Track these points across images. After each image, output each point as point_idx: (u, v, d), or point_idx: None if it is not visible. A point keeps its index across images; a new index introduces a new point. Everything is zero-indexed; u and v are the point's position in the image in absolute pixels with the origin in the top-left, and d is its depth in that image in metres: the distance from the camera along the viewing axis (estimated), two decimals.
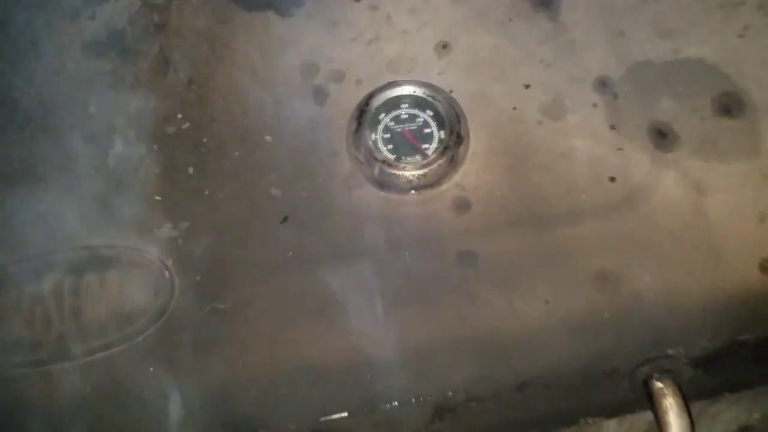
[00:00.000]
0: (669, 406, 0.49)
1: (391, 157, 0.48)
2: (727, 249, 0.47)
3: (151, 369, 0.44)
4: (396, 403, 0.50)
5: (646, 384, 0.51)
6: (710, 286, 0.47)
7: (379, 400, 0.50)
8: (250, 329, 0.45)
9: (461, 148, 0.48)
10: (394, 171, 0.48)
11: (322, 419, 0.50)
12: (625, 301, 0.46)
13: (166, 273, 0.46)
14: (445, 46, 0.53)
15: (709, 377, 0.55)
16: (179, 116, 0.52)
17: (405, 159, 0.48)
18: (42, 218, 0.48)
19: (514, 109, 0.51)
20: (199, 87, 0.53)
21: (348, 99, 0.51)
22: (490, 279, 0.46)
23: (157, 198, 0.48)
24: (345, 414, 0.50)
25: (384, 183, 0.48)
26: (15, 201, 0.49)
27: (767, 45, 0.53)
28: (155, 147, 0.50)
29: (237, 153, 0.50)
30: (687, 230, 0.47)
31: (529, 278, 0.46)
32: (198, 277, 0.46)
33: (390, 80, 0.51)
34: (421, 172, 0.47)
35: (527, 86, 0.51)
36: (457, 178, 0.48)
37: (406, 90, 0.50)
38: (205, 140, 0.51)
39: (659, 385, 0.50)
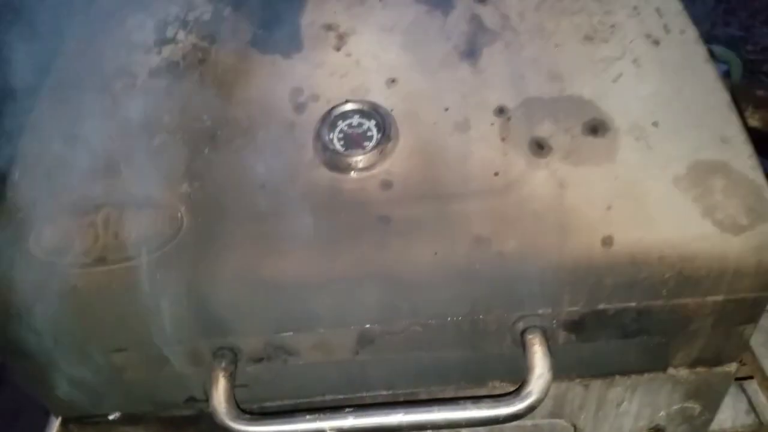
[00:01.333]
0: (535, 351, 0.63)
1: (341, 149, 0.68)
2: (577, 228, 0.62)
3: (158, 276, 0.64)
4: (325, 329, 0.66)
5: (522, 336, 0.65)
6: (563, 255, 0.61)
7: (316, 324, 0.66)
8: (231, 253, 0.64)
9: (390, 145, 0.67)
10: (340, 158, 0.67)
11: (273, 335, 0.67)
12: (496, 260, 0.62)
13: (179, 214, 0.67)
14: (393, 80, 0.74)
15: (586, 347, 0.69)
16: (204, 117, 0.74)
17: (350, 151, 0.68)
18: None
19: (434, 123, 0.70)
20: (222, 99, 0.75)
21: (319, 111, 0.72)
22: (398, 235, 0.63)
23: (181, 166, 0.70)
24: (291, 333, 0.67)
25: (333, 165, 0.67)
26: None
27: (633, 87, 0.70)
28: (186, 136, 0.72)
29: (238, 142, 0.71)
30: (548, 212, 0.63)
31: (426, 236, 0.63)
32: (199, 219, 0.66)
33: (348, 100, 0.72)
34: (359, 158, 0.67)
35: (446, 109, 0.71)
36: (385, 165, 0.67)
37: (357, 106, 0.70)
38: (218, 133, 0.72)
39: (529, 336, 0.64)
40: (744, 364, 0.87)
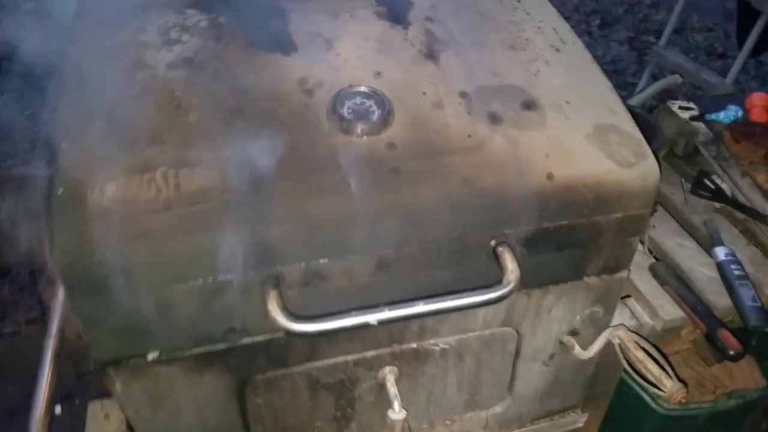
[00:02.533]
0: (506, 258, 0.88)
1: (353, 119, 0.89)
2: (529, 169, 0.88)
3: (217, 217, 0.79)
4: (352, 256, 0.85)
5: (495, 251, 0.90)
6: (522, 187, 0.87)
7: (345, 252, 0.85)
8: (275, 199, 0.81)
9: (389, 117, 0.89)
10: (353, 125, 0.88)
11: (311, 262, 0.84)
12: (477, 194, 0.86)
13: (227, 171, 0.82)
14: (378, 73, 0.97)
15: (532, 260, 0.94)
16: (229, 98, 0.90)
17: (361, 122, 0.89)
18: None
19: (417, 103, 0.93)
20: (240, 85, 0.92)
21: (325, 95, 0.92)
22: (406, 180, 0.85)
23: (219, 135, 0.85)
24: (325, 260, 0.85)
25: (347, 131, 0.88)
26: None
27: (548, 79, 1.00)
28: (216, 113, 0.88)
29: (265, 116, 0.89)
30: (508, 160, 0.89)
31: (427, 180, 0.85)
32: (244, 175, 0.82)
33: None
34: (368, 126, 0.88)
35: (424, 93, 0.95)
36: (388, 132, 0.89)
37: (359, 89, 0.92)
38: (246, 109, 0.89)
39: (500, 249, 0.89)
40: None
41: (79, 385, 1.49)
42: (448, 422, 1.15)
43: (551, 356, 1.10)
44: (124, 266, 0.77)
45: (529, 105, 0.96)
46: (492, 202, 0.86)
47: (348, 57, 0.99)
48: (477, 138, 0.90)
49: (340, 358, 0.98)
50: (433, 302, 0.83)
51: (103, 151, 0.84)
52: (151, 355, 0.87)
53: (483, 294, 0.84)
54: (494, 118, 0.93)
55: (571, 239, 0.94)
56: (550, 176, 0.88)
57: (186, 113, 0.89)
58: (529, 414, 1.19)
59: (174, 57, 0.96)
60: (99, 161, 0.83)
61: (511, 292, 0.85)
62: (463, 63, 1.00)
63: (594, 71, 1.03)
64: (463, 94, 0.96)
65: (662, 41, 2.93)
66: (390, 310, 0.82)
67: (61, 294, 1.17)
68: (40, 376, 1.01)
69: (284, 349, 0.93)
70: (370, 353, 0.98)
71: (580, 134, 0.93)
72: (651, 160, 0.92)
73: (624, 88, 3.80)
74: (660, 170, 0.93)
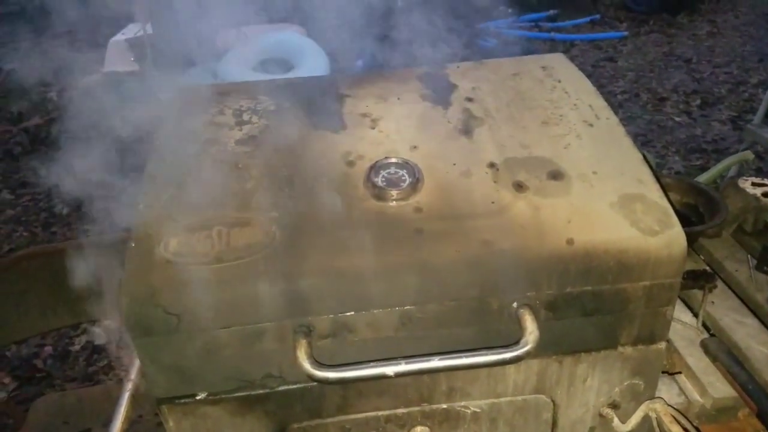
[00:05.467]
0: (526, 319, 0.91)
1: (385, 186, 0.98)
2: (549, 233, 0.92)
3: (259, 270, 0.90)
4: (376, 310, 0.92)
5: (516, 312, 0.93)
6: (541, 251, 0.91)
7: (369, 306, 0.92)
8: (311, 255, 0.91)
9: (418, 185, 0.98)
10: (385, 192, 0.97)
11: (338, 315, 0.92)
12: (496, 255, 0.91)
13: (272, 230, 0.94)
14: (415, 147, 1.06)
15: (558, 324, 0.96)
16: (282, 169, 1.04)
17: (390, 188, 0.98)
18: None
19: (447, 173, 1.01)
20: (292, 158, 1.05)
21: (365, 166, 1.03)
22: (429, 240, 0.92)
23: (270, 200, 0.98)
24: (351, 313, 0.92)
25: (379, 197, 0.97)
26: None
27: (578, 151, 1.04)
28: (270, 182, 1.01)
29: (309, 183, 1.01)
30: (529, 224, 0.93)
31: (449, 240, 0.92)
32: (286, 234, 0.93)
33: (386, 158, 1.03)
34: (398, 192, 0.97)
35: (454, 164, 1.03)
36: (416, 198, 0.97)
37: (393, 160, 1.02)
38: (294, 179, 1.02)
39: (521, 311, 0.92)
40: (675, 366, 1.16)
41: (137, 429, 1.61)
42: None
43: (591, 429, 1.08)
44: (177, 310, 0.90)
45: (556, 175, 1.01)
46: (511, 263, 0.91)
47: (389, 133, 1.10)
48: (500, 204, 0.96)
49: (371, 414, 1.02)
50: (448, 358, 0.87)
51: (172, 212, 0.99)
52: (200, 396, 0.97)
53: (499, 353, 0.87)
54: (519, 186, 0.99)
55: (598, 306, 0.95)
56: (570, 241, 0.92)
57: (244, 181, 1.02)
58: None
59: (242, 135, 1.12)
60: (167, 220, 0.97)
61: (528, 354, 0.88)
62: (495, 137, 1.08)
63: (626, 144, 1.06)
64: (491, 165, 1.03)
65: (757, 119, 2.83)
66: (406, 363, 0.87)
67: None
68: (116, 412, 1.14)
69: (318, 399, 1.00)
70: (401, 410, 1.02)
71: (605, 202, 0.96)
72: (677, 229, 0.93)
73: None
74: (688, 241, 0.93)
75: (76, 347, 2.96)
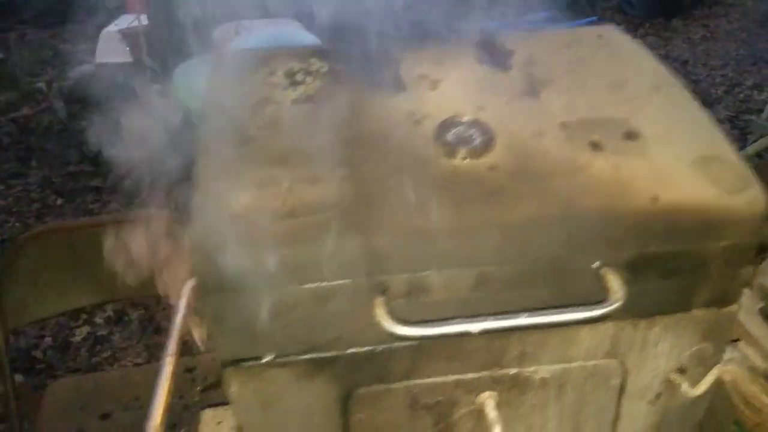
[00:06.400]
0: (610, 279, 0.88)
1: (457, 145, 0.95)
2: (632, 192, 0.90)
3: (332, 226, 0.86)
4: (453, 269, 0.89)
5: (598, 273, 0.90)
6: (624, 209, 0.89)
7: (447, 265, 0.89)
8: (386, 213, 0.88)
9: (491, 143, 0.96)
10: (458, 150, 0.94)
11: (414, 274, 0.89)
12: (579, 214, 0.89)
13: (343, 187, 0.90)
14: (481, 107, 1.04)
15: (637, 287, 0.94)
16: (346, 129, 1.00)
17: (464, 147, 0.95)
18: None
19: (518, 132, 0.99)
20: (356, 118, 1.02)
21: (431, 126, 1.00)
22: (508, 198, 0.89)
23: (338, 158, 0.95)
24: (428, 273, 0.89)
25: (452, 155, 0.94)
26: None
27: (652, 114, 1.03)
28: (336, 139, 0.98)
29: (378, 142, 0.97)
30: (609, 182, 0.91)
31: (529, 199, 0.89)
32: (358, 191, 0.90)
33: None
34: (471, 150, 0.94)
35: (524, 124, 1.00)
36: (489, 157, 0.95)
37: (464, 119, 0.99)
38: (361, 137, 0.98)
39: (604, 270, 0.90)
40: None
41: (185, 416, 1.57)
42: None
43: (658, 395, 1.06)
44: (249, 266, 0.86)
45: (631, 135, 0.99)
46: (594, 222, 0.89)
47: (452, 94, 1.08)
48: (578, 163, 0.94)
49: (440, 378, 0.99)
50: (537, 315, 0.84)
51: (236, 168, 0.95)
52: (266, 358, 0.93)
53: (588, 310, 0.85)
54: (595, 146, 0.97)
55: (677, 266, 0.93)
56: (654, 199, 0.90)
57: (308, 139, 0.99)
58: None
59: (298, 95, 1.08)
60: (232, 176, 0.93)
61: (616, 311, 0.85)
62: (562, 99, 1.06)
63: (695, 108, 1.05)
64: (563, 126, 1.00)
65: (765, 114, 2.86)
66: (493, 320, 0.84)
67: (179, 316, 1.28)
68: (157, 392, 1.09)
69: (386, 363, 0.96)
70: (470, 375, 0.99)
71: (683, 162, 0.94)
72: (758, 188, 0.92)
73: None
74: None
75: (77, 338, 2.88)
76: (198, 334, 0.96)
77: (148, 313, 2.95)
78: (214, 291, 0.86)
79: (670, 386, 1.05)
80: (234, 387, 0.93)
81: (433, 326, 0.84)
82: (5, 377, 1.54)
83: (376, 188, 0.91)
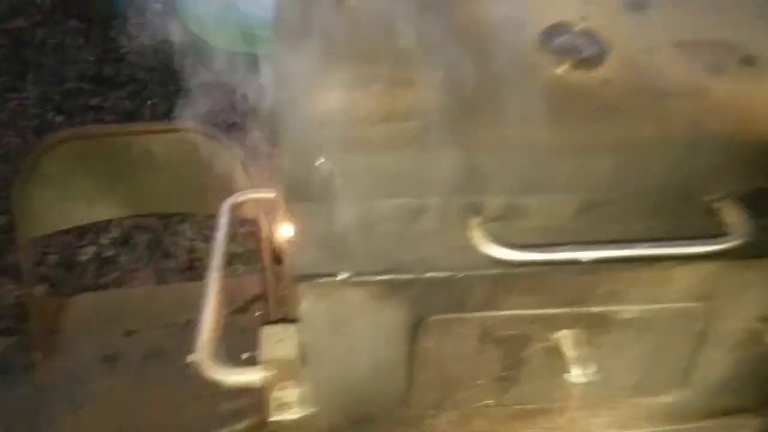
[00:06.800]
0: (731, 211, 0.81)
1: (567, 54, 0.85)
2: (760, 119, 0.82)
3: (429, 135, 0.77)
4: (555, 194, 0.81)
5: (714, 205, 0.83)
6: (753, 137, 0.81)
7: (549, 189, 0.81)
8: (486, 124, 0.79)
9: (603, 55, 0.86)
10: (566, 60, 0.85)
11: (511, 195, 0.81)
12: (703, 139, 0.80)
13: (441, 94, 0.81)
14: (584, 17, 0.93)
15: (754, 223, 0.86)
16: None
17: (574, 57, 0.85)
18: None
19: (629, 47, 0.89)
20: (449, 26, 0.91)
21: (534, 32, 0.89)
22: (623, 117, 0.81)
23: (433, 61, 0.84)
24: (526, 195, 0.81)
25: (559, 65, 0.85)
26: None
27: (760, 40, 0.93)
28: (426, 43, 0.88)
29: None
30: (735, 107, 0.82)
31: (646, 119, 0.81)
32: (458, 99, 0.81)
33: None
34: (583, 61, 0.84)
35: (634, 38, 0.90)
36: (602, 70, 0.85)
37: (574, 28, 0.89)
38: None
39: (724, 203, 0.82)
40: None
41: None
42: (612, 406, 1.07)
43: (738, 343, 1.01)
44: (339, 172, 0.77)
45: (749, 60, 0.89)
46: (720, 149, 0.80)
47: (552, 1, 0.97)
48: (698, 84, 0.85)
49: (517, 311, 0.93)
50: (656, 246, 0.77)
51: (321, 67, 0.84)
52: (342, 276, 0.85)
53: (708, 244, 0.78)
54: (714, 69, 0.87)
55: None
56: None
57: (397, 38, 0.88)
58: (699, 409, 1.09)
59: None
60: (318, 76, 0.83)
61: (738, 246, 0.78)
62: (669, 18, 0.96)
63: None
64: (676, 44, 0.90)
65: None
66: (608, 248, 0.76)
67: (221, 232, 1.20)
68: (205, 309, 1.01)
69: (464, 291, 0.89)
70: (550, 311, 0.93)
71: None
72: None
73: None
74: None
75: (83, 258, 2.80)
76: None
77: (155, 236, 2.87)
78: (301, 200, 0.78)
79: (753, 335, 0.99)
80: (306, 303, 0.86)
81: (539, 251, 0.76)
82: (25, 287, 1.46)
83: (475, 97, 0.82)
